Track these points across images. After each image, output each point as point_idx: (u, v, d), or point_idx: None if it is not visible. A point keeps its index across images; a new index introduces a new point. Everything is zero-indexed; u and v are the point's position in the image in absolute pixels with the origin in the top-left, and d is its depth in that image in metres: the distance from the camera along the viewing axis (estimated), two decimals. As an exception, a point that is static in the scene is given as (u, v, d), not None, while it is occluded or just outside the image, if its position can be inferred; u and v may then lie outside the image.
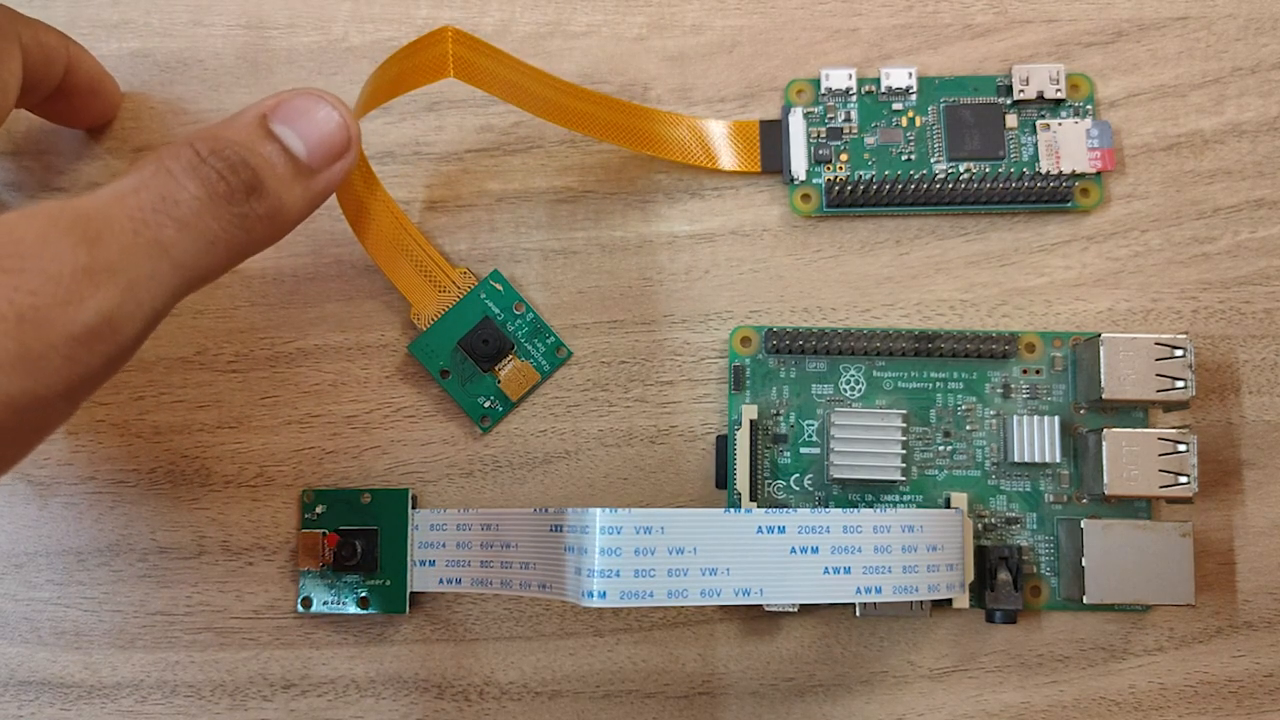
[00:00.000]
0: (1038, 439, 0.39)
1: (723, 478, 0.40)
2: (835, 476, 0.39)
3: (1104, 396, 0.38)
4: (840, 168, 0.42)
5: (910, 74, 0.42)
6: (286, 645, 0.41)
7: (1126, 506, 0.39)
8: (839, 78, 0.42)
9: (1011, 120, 0.42)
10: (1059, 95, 0.41)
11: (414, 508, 0.40)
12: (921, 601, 0.38)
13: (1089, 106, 0.42)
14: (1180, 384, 0.38)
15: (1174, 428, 0.39)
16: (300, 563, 0.40)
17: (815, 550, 0.34)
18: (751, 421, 0.39)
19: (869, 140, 0.42)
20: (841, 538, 0.34)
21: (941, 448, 0.40)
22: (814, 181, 0.42)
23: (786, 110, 0.42)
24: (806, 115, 0.42)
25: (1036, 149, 0.42)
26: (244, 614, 0.41)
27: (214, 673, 0.40)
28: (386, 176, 0.42)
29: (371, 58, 0.43)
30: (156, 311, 0.28)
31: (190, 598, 0.41)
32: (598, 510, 0.33)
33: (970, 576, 0.38)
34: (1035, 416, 0.39)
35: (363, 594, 0.40)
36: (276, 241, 0.32)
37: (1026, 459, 0.39)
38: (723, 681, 0.40)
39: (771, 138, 0.42)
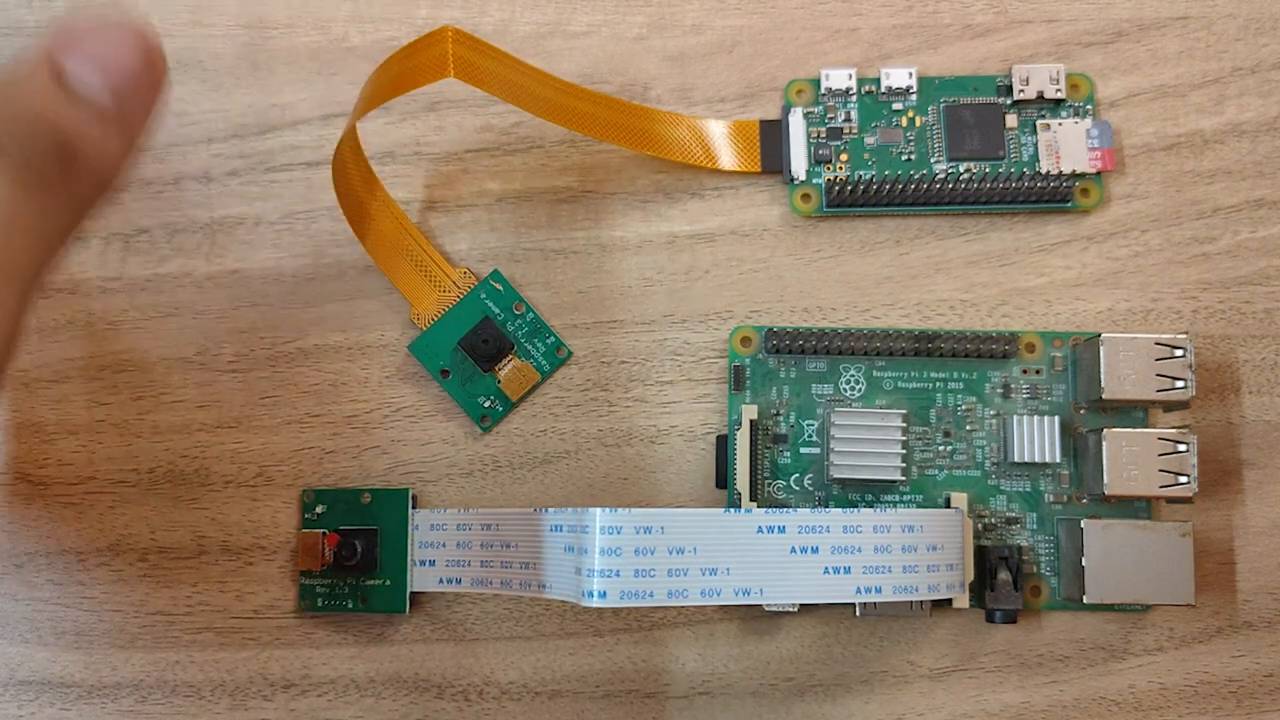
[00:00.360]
0: (1038, 439, 0.39)
1: (723, 478, 0.40)
2: (835, 476, 0.39)
3: (1104, 396, 0.38)
4: (840, 168, 0.42)
5: (910, 74, 0.42)
6: (286, 645, 0.41)
7: (1126, 506, 0.39)
8: (839, 78, 0.42)
9: (1011, 120, 0.42)
10: (1059, 95, 0.41)
11: (414, 508, 0.40)
12: (921, 601, 0.38)
13: (1089, 106, 0.42)
14: (1180, 384, 0.38)
15: (1174, 428, 0.39)
16: (300, 563, 0.40)
17: (815, 550, 0.34)
18: (751, 421, 0.39)
19: (869, 140, 0.42)
20: (841, 538, 0.34)
21: (941, 448, 0.40)
22: (814, 181, 0.42)
23: (786, 110, 0.42)
24: (806, 115, 0.42)
25: (1036, 149, 0.42)
26: (244, 614, 0.41)
27: (214, 673, 0.40)
28: (386, 176, 0.42)
29: (371, 58, 0.43)
30: (9, 330, 0.25)
31: (190, 598, 0.41)
32: (598, 510, 0.33)
33: (970, 576, 0.38)
34: (1035, 416, 0.39)
35: (363, 594, 0.40)
36: (109, 193, 0.27)
37: (1026, 459, 0.39)
38: (723, 681, 0.40)
39: (771, 138, 0.42)
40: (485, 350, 0.41)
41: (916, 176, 0.41)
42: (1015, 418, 0.39)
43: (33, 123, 0.25)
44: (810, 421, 0.40)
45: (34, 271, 0.25)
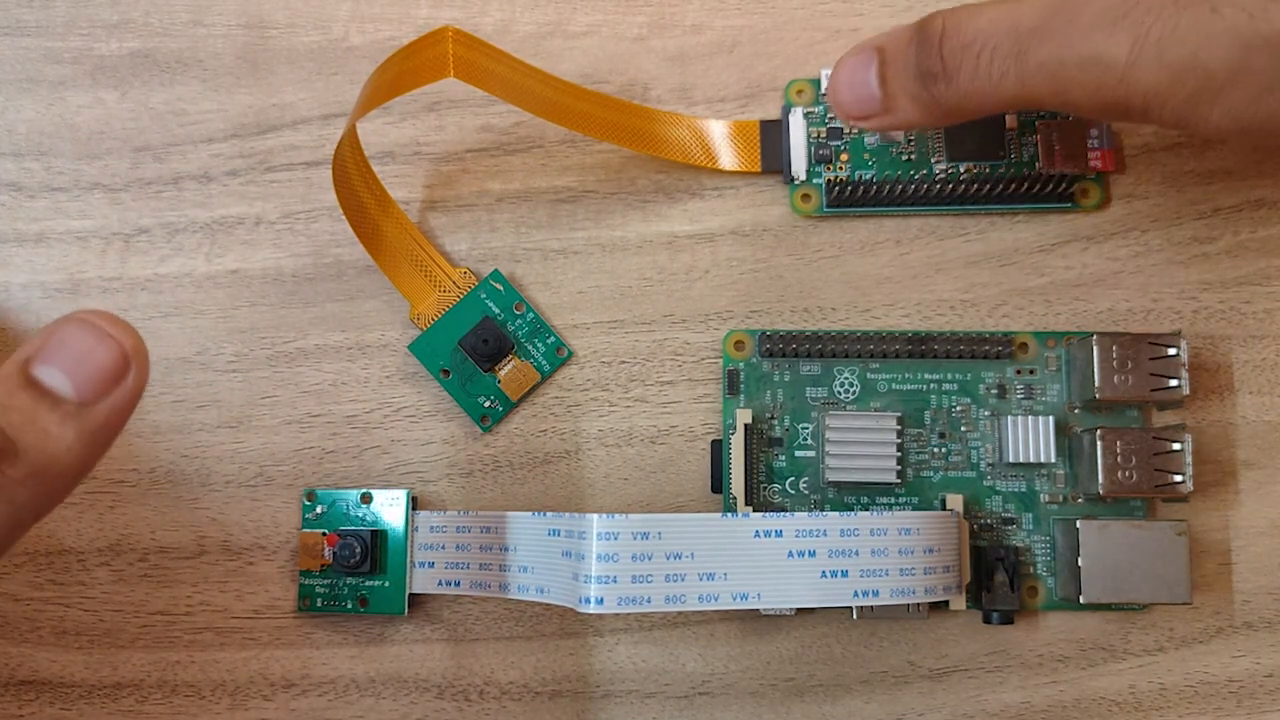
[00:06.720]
0: (1032, 439, 0.39)
1: (718, 482, 0.40)
2: (830, 480, 0.39)
3: (1098, 396, 0.38)
4: (840, 168, 0.42)
5: (910, 74, 0.42)
6: (286, 645, 0.41)
7: (1122, 506, 0.39)
8: (839, 78, 0.42)
9: (1011, 120, 0.42)
10: (1059, 95, 0.41)
11: (414, 509, 0.40)
12: (918, 604, 0.38)
13: (1089, 106, 0.42)
14: (1174, 382, 0.38)
15: (1169, 426, 0.39)
16: (300, 563, 0.40)
17: (813, 554, 0.34)
18: (746, 425, 0.39)
19: (869, 140, 0.42)
20: (839, 541, 0.34)
21: (937, 449, 0.40)
22: (814, 181, 0.42)
23: (787, 110, 0.42)
24: (807, 115, 0.42)
25: (1036, 149, 0.41)
26: (244, 614, 0.41)
27: (214, 673, 0.41)
28: (386, 176, 0.42)
29: (371, 58, 0.43)
30: None
31: (190, 598, 0.41)
32: (595, 516, 0.33)
33: (967, 578, 0.38)
34: (1030, 417, 0.39)
35: (362, 595, 0.40)
36: (63, 497, 0.27)
37: (1021, 459, 0.39)
38: (723, 681, 0.40)
39: (772, 138, 0.42)
40: (485, 350, 0.41)
41: (916, 176, 0.41)
42: (1010, 418, 0.39)
43: None
44: (805, 425, 0.40)
45: None
